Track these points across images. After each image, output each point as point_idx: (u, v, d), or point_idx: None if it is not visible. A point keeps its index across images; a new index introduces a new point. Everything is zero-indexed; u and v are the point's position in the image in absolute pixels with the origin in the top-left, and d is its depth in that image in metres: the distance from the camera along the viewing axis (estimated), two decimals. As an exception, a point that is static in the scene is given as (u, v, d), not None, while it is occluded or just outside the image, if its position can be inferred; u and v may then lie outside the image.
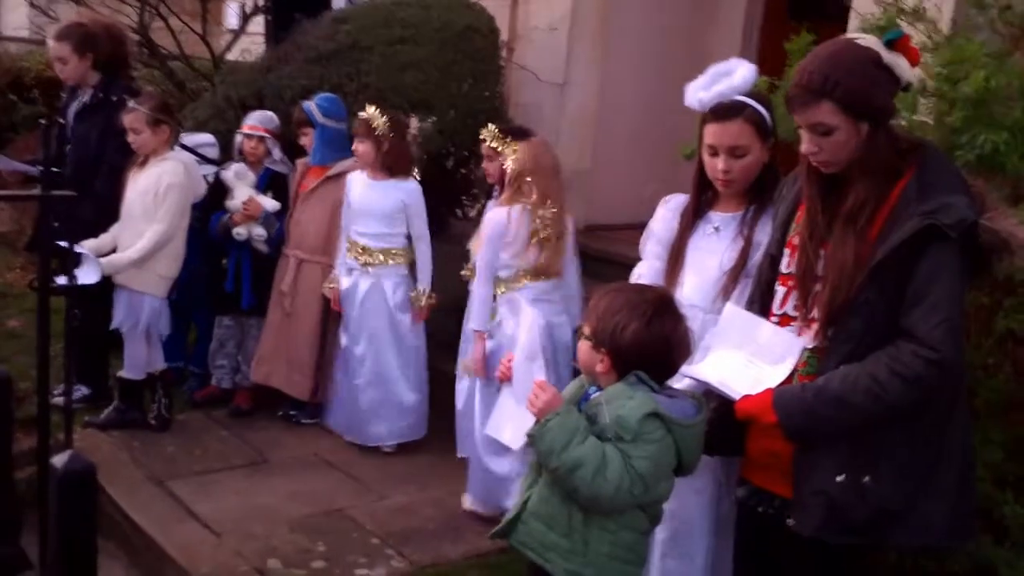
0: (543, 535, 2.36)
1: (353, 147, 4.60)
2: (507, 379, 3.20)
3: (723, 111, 2.68)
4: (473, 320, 4.04)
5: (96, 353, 4.86)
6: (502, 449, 3.73)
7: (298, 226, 4.81)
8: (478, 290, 4.02)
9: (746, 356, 2.41)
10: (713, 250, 2.79)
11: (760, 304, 2.51)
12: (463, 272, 4.27)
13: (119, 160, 4.56)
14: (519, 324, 3.77)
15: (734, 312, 2.54)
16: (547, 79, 5.94)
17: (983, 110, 2.91)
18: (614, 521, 2.33)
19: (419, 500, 4.18)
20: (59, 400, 3.66)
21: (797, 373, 2.34)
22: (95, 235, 4.46)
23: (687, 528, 2.78)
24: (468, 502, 4.09)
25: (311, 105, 4.75)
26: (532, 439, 2.32)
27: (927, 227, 2.14)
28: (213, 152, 5.11)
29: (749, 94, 2.70)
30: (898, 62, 2.24)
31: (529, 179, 3.89)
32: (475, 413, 4.02)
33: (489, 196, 4.38)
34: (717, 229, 2.81)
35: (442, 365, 4.62)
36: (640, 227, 3.08)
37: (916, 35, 3.14)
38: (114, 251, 4.44)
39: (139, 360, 4.59)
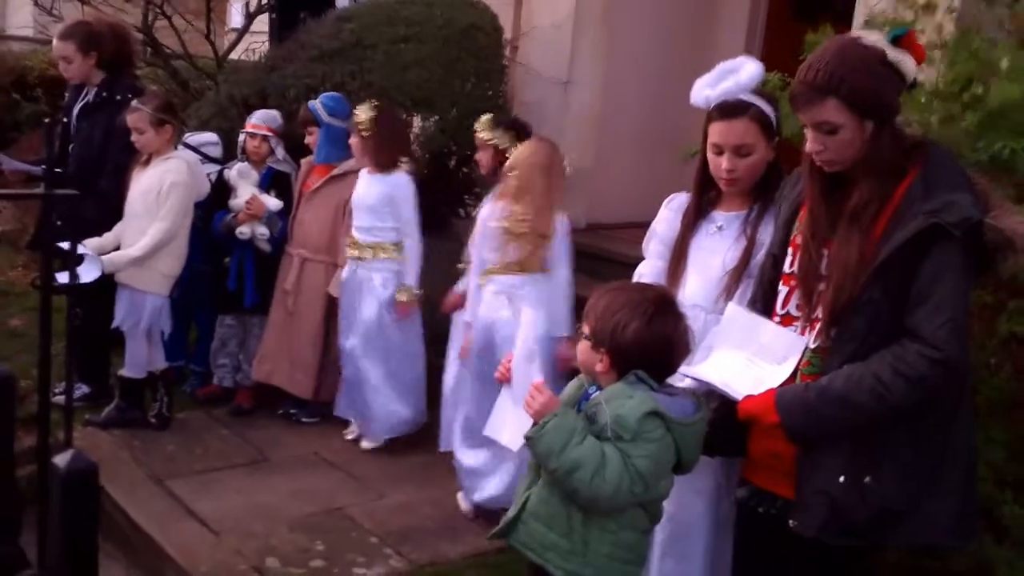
0: (543, 535, 2.34)
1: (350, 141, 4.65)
2: (506, 380, 3.18)
3: (729, 109, 2.66)
4: (467, 311, 4.11)
5: (97, 351, 4.87)
6: (477, 442, 3.73)
7: (302, 225, 4.80)
8: (469, 281, 4.13)
9: (748, 356, 2.39)
10: (716, 250, 2.77)
11: (763, 304, 2.49)
12: (459, 265, 4.32)
13: (123, 159, 4.55)
14: (503, 321, 3.80)
15: (736, 312, 2.52)
16: (550, 77, 5.92)
17: (1000, 117, 2.88)
18: (614, 521, 2.31)
19: (418, 499, 4.17)
20: (60, 399, 3.65)
21: (800, 372, 2.32)
22: (99, 234, 4.45)
23: (686, 529, 2.76)
24: (463, 502, 4.09)
25: (317, 104, 4.75)
26: (530, 441, 2.31)
27: (931, 226, 2.12)
28: (216, 151, 5.11)
29: (755, 92, 2.68)
30: (904, 59, 2.22)
31: (512, 174, 3.89)
32: (450, 403, 4.12)
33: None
34: (720, 228, 2.79)
35: (441, 362, 4.59)
36: (642, 226, 3.07)
37: (925, 28, 3.12)
38: (117, 249, 4.44)
39: (140, 359, 4.59)
